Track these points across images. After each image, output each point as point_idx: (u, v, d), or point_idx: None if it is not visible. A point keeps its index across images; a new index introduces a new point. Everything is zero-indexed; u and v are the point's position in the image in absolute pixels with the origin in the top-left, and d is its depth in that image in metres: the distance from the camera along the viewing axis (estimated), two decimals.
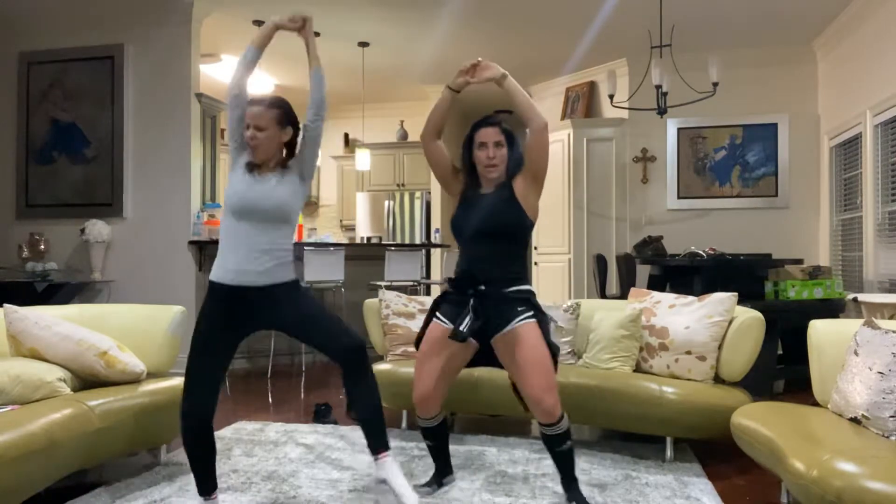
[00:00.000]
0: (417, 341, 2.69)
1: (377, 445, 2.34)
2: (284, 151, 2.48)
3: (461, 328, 2.45)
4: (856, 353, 2.52)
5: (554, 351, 2.53)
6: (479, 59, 2.57)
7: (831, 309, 4.80)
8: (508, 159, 2.60)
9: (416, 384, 2.61)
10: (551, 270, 7.46)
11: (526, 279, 2.60)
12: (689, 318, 3.36)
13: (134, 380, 2.94)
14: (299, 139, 2.50)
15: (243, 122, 2.41)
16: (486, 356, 2.62)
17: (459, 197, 2.68)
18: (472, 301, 2.50)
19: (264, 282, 2.34)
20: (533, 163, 2.59)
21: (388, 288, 5.53)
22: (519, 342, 2.46)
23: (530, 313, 2.51)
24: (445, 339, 2.55)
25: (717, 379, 3.30)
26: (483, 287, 2.50)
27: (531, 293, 2.57)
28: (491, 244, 2.55)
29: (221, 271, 2.35)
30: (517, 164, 2.61)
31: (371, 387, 2.38)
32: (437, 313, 2.64)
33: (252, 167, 2.41)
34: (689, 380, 3.25)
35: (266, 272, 2.34)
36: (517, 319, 2.49)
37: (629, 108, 5.88)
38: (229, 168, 2.46)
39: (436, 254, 8.31)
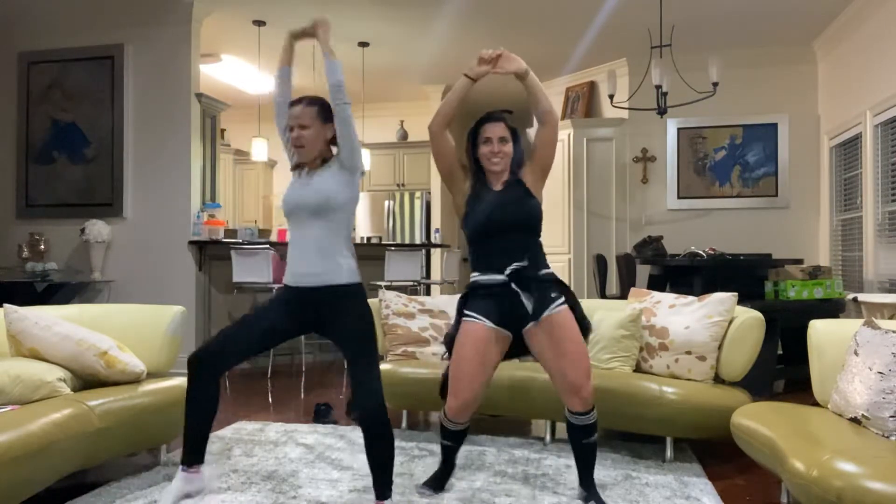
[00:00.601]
0: (449, 345, 2.63)
1: (380, 495, 2.35)
2: (332, 149, 2.51)
3: (530, 311, 2.47)
4: (856, 353, 2.52)
5: (587, 327, 2.58)
6: (502, 49, 2.55)
7: (831, 309, 4.80)
8: (513, 155, 2.61)
9: (458, 391, 2.51)
10: None
11: (547, 262, 2.61)
12: (689, 318, 3.36)
13: (134, 380, 2.94)
14: None
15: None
16: (517, 346, 2.60)
17: (469, 195, 2.64)
18: (513, 284, 2.49)
19: (318, 283, 2.36)
20: (543, 157, 2.63)
21: (388, 288, 5.53)
22: (558, 331, 2.48)
23: (562, 299, 2.53)
24: (485, 338, 2.51)
25: (717, 379, 3.30)
26: (518, 266, 2.49)
27: (555, 274, 2.60)
28: (514, 236, 2.54)
29: (287, 275, 2.44)
30: (520, 159, 2.64)
31: (389, 447, 2.34)
32: (467, 311, 2.56)
33: (298, 169, 2.48)
34: (689, 380, 3.25)
35: (318, 274, 2.36)
36: (552, 306, 2.50)
37: (629, 108, 5.88)
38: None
39: (436, 254, 8.31)
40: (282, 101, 2.55)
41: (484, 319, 2.52)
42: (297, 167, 2.49)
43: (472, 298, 2.58)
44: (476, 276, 2.59)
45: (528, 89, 2.56)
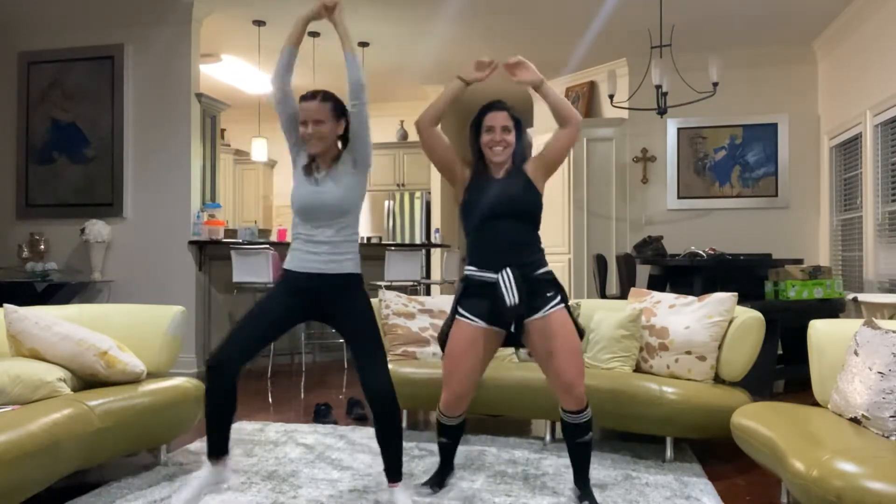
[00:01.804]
0: (442, 340, 2.64)
1: (391, 477, 2.48)
2: (340, 144, 2.54)
3: (514, 300, 2.41)
4: (856, 353, 2.52)
5: (581, 331, 2.56)
6: (520, 56, 2.55)
7: (831, 309, 4.80)
8: (516, 146, 2.59)
9: (450, 384, 2.57)
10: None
11: (545, 261, 2.59)
12: (689, 318, 3.36)
13: (134, 380, 2.94)
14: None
15: (295, 121, 2.50)
16: (511, 337, 2.59)
17: (469, 183, 2.62)
18: (505, 274, 2.45)
19: (326, 270, 2.46)
20: (555, 155, 2.61)
21: (388, 288, 5.53)
22: (553, 330, 2.48)
23: (559, 298, 2.52)
24: (476, 337, 2.54)
25: (717, 379, 3.30)
26: (511, 267, 2.47)
27: (553, 273, 2.58)
28: (512, 225, 2.53)
29: (291, 261, 2.50)
30: (522, 152, 2.63)
31: (396, 428, 2.46)
32: (461, 310, 2.58)
33: (308, 170, 2.49)
34: (689, 380, 3.25)
35: (327, 262, 2.46)
36: (549, 306, 2.50)
37: (629, 108, 5.88)
38: (292, 166, 2.56)
39: (436, 254, 8.31)
40: (281, 94, 2.48)
41: (477, 320, 2.54)
42: (309, 166, 2.50)
43: (465, 296, 2.58)
44: (471, 271, 2.57)
45: (546, 99, 2.55)
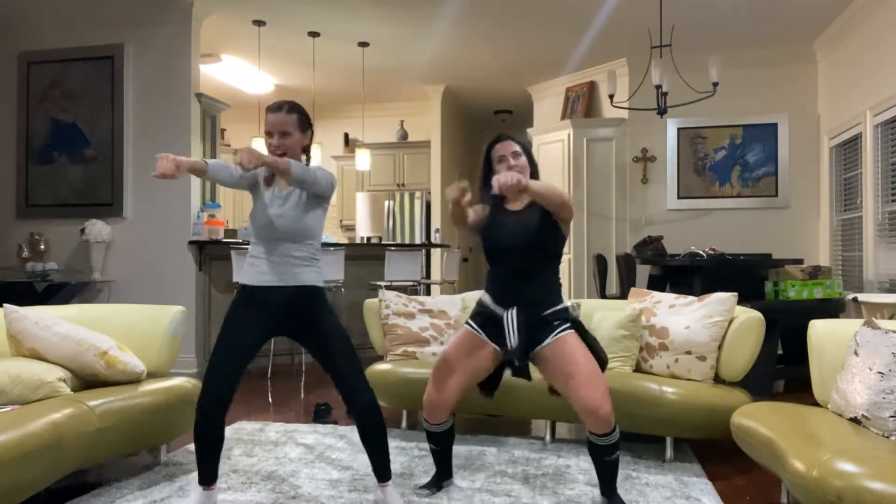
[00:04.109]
0: None
1: (381, 477, 2.49)
2: (304, 158, 2.54)
3: (514, 343, 2.48)
4: (856, 353, 2.52)
5: (603, 358, 2.54)
6: (499, 182, 2.30)
7: (831, 309, 4.80)
8: (529, 165, 2.64)
9: (430, 388, 2.58)
10: None
11: (561, 298, 2.61)
12: (689, 318, 3.36)
13: (134, 380, 2.94)
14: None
15: (241, 179, 2.47)
16: (517, 367, 2.58)
17: (487, 221, 2.65)
18: (510, 315, 2.51)
19: (285, 283, 2.43)
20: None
21: (388, 288, 5.53)
22: (565, 353, 2.45)
23: (567, 324, 2.52)
24: (473, 343, 2.58)
25: (717, 379, 3.30)
26: (522, 308, 2.52)
27: (566, 310, 2.58)
28: (524, 259, 2.55)
29: (247, 276, 2.47)
30: (536, 176, 2.67)
31: (381, 434, 2.46)
32: (470, 321, 2.64)
33: (269, 181, 2.47)
34: (689, 380, 3.25)
35: (286, 276, 2.43)
36: (557, 331, 2.49)
37: (629, 108, 5.88)
38: (253, 201, 2.53)
39: (436, 254, 8.31)
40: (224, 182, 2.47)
41: (481, 332, 2.59)
42: (267, 181, 2.47)
43: (477, 315, 2.65)
44: (485, 299, 2.64)
45: (534, 198, 2.45)
